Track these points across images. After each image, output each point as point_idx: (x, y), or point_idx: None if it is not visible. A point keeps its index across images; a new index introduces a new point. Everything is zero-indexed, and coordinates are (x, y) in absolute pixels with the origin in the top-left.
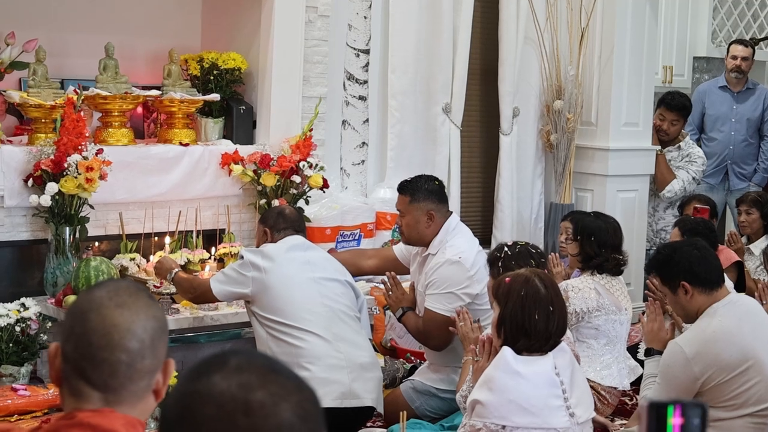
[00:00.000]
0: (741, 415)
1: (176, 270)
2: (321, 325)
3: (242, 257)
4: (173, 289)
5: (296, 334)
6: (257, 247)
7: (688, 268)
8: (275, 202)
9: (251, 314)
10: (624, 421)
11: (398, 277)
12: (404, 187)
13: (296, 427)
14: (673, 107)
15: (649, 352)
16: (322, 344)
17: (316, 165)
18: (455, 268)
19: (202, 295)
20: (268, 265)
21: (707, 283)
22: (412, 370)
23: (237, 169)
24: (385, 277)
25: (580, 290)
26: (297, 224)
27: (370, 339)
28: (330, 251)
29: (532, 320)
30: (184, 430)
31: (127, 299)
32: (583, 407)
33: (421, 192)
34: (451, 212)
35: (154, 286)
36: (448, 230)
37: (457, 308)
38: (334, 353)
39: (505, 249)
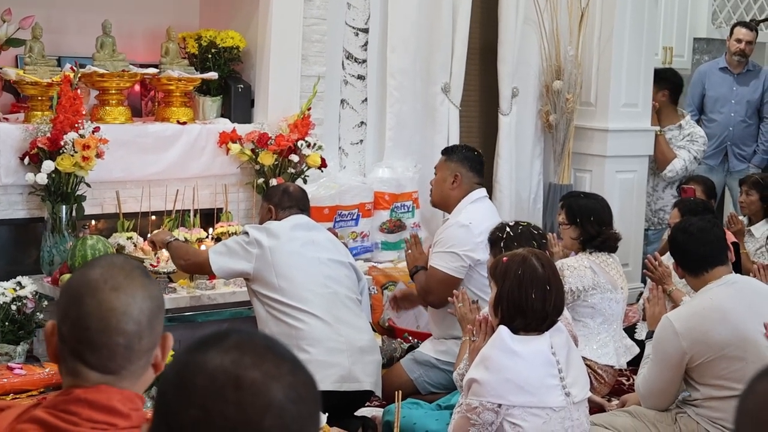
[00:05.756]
0: (732, 395)
1: (173, 238)
2: (322, 307)
3: (246, 233)
4: (170, 268)
5: (297, 315)
6: (260, 223)
7: (673, 249)
8: (273, 182)
9: (252, 293)
10: None
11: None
12: (445, 149)
13: (286, 409)
14: (655, 81)
15: (651, 335)
16: (323, 327)
17: (315, 144)
18: (463, 231)
19: (196, 265)
20: (273, 243)
21: (688, 266)
22: (409, 350)
23: (235, 148)
24: (407, 236)
25: (576, 269)
26: (302, 203)
27: (369, 322)
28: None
29: (528, 299)
30: (177, 398)
31: (122, 281)
32: (579, 387)
33: (456, 154)
34: (481, 186)
35: (151, 264)
36: (470, 200)
37: (458, 285)
38: (335, 336)
39: (507, 229)
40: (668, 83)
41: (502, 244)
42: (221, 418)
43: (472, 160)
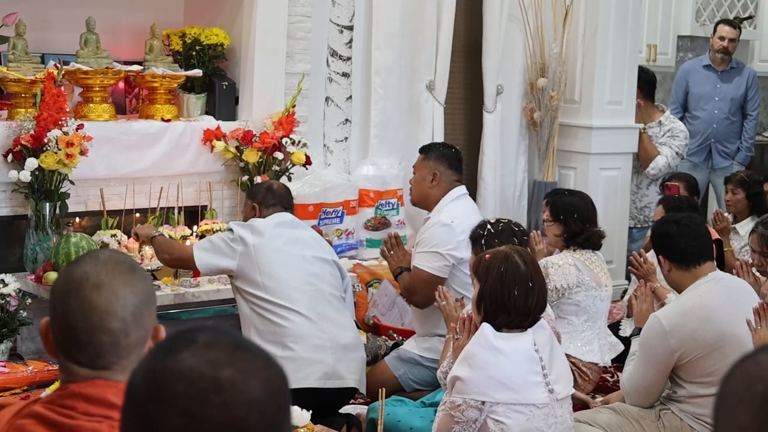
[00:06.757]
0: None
1: (158, 233)
2: (306, 304)
3: (231, 230)
4: (154, 266)
5: (281, 312)
6: (244, 221)
7: (664, 242)
8: (257, 179)
9: (236, 290)
10: None
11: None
12: (423, 147)
13: (266, 403)
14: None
15: (638, 332)
16: (307, 324)
17: (299, 142)
18: (445, 230)
19: (180, 260)
20: (258, 241)
21: (681, 259)
22: (394, 347)
23: (219, 145)
24: (386, 236)
25: (560, 267)
26: (286, 201)
27: (354, 319)
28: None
29: (511, 296)
30: (153, 408)
31: (104, 278)
32: (563, 383)
33: (434, 152)
34: (461, 184)
35: None
36: (451, 197)
37: (442, 284)
38: (319, 333)
39: (488, 226)
40: (637, 81)
41: (483, 241)
42: (208, 422)
43: (450, 158)
